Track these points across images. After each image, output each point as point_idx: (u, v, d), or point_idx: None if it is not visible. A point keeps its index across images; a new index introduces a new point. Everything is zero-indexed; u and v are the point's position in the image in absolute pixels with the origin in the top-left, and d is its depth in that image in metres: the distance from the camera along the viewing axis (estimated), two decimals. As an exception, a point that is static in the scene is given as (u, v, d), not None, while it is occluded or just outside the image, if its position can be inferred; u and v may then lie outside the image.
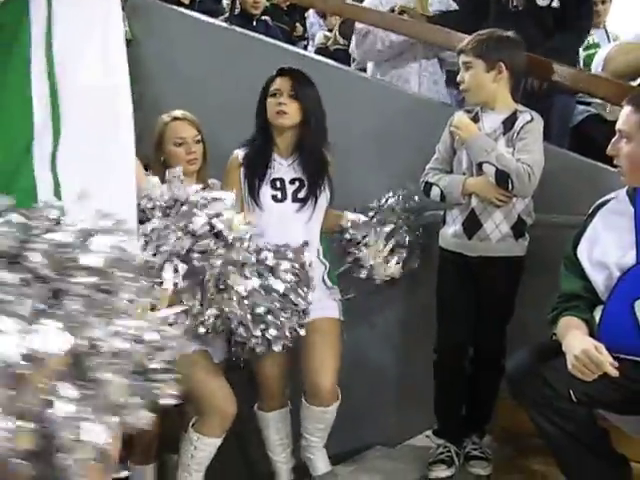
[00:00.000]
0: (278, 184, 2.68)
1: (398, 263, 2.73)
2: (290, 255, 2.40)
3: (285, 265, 2.36)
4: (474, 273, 2.51)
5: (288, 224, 2.65)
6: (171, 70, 3.83)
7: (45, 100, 1.23)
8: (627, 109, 2.05)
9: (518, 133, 2.46)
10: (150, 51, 3.88)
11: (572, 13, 3.20)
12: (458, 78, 2.53)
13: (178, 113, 2.76)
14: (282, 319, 2.33)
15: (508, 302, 2.52)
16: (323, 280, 2.71)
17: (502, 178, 2.39)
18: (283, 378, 2.77)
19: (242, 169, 2.69)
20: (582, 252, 2.10)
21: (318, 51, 4.88)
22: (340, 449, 2.86)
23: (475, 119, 2.53)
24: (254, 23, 4.47)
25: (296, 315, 2.38)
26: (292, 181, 2.68)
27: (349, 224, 2.75)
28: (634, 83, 3.00)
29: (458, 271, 2.53)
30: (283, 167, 2.70)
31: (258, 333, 2.32)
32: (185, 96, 3.60)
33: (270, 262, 2.35)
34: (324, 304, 2.65)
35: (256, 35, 3.83)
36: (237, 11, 4.42)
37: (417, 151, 2.87)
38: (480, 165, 2.44)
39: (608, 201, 2.15)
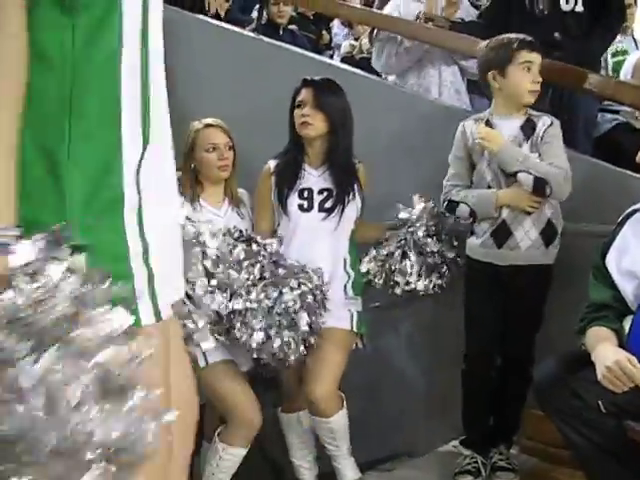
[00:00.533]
0: (306, 194, 2.70)
1: (433, 280, 2.69)
2: (314, 278, 2.45)
3: (305, 288, 2.41)
4: (503, 282, 2.49)
5: (314, 234, 2.67)
6: (198, 81, 3.86)
7: (136, 102, 1.07)
8: None
9: (542, 137, 2.44)
10: (177, 62, 3.91)
11: (598, 17, 3.18)
12: (536, 78, 2.46)
13: (210, 120, 2.78)
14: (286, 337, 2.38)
15: (537, 311, 2.49)
16: (345, 290, 2.71)
17: (540, 185, 2.37)
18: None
19: (273, 178, 2.72)
20: (611, 261, 2.08)
21: (344, 60, 4.89)
22: (366, 458, 2.85)
23: (490, 127, 2.50)
24: (281, 32, 4.50)
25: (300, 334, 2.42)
26: (321, 191, 2.69)
27: (387, 236, 2.74)
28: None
29: (487, 280, 2.51)
30: (313, 177, 2.71)
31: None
32: (212, 106, 3.62)
33: (291, 282, 2.42)
34: (338, 314, 2.63)
35: (283, 44, 3.86)
36: (264, 21, 4.46)
37: (444, 160, 2.86)
38: (514, 175, 2.41)
39: (638, 210, 2.12)
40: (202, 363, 2.60)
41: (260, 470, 3.23)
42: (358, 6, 4.50)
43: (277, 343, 2.40)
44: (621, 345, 1.98)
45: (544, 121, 2.46)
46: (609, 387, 1.87)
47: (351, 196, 2.69)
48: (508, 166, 2.42)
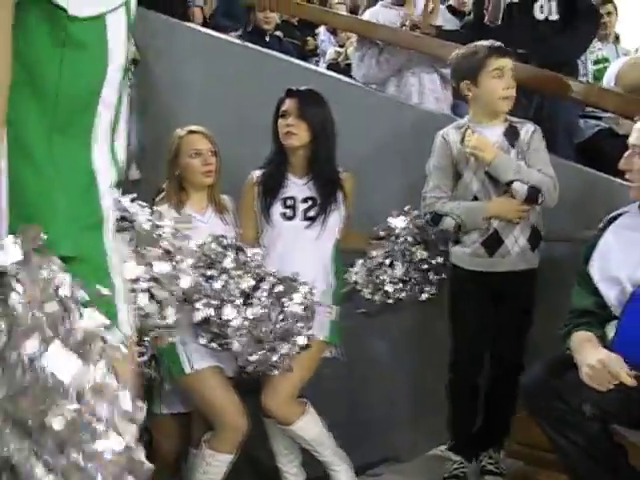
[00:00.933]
0: (289, 202, 2.71)
1: (422, 288, 2.69)
2: (302, 289, 2.44)
3: (297, 299, 2.40)
4: (493, 289, 2.49)
5: (296, 242, 2.68)
6: (184, 87, 3.86)
7: (107, 133, 1.13)
8: None
9: (528, 145, 2.45)
10: (162, 68, 3.92)
11: (572, 24, 3.20)
12: (509, 83, 2.45)
13: (193, 127, 2.79)
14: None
15: (528, 314, 2.49)
16: (322, 298, 2.68)
17: (533, 194, 2.38)
18: None
19: (257, 188, 2.74)
20: (593, 267, 2.09)
21: (329, 67, 4.91)
22: (353, 464, 2.84)
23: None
24: (267, 39, 4.51)
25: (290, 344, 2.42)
26: (305, 200, 2.71)
27: (372, 248, 2.75)
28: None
29: (475, 288, 2.50)
30: (297, 186, 2.73)
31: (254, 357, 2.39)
32: (197, 113, 3.63)
33: (278, 290, 2.42)
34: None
35: (269, 51, 3.87)
36: (250, 28, 4.47)
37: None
38: (507, 184, 2.40)
39: (620, 215, 2.14)
40: (188, 369, 2.61)
41: (247, 476, 3.23)
42: (343, 13, 4.52)
43: (275, 357, 2.40)
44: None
45: (527, 128, 2.46)
46: (594, 386, 1.88)
47: (334, 205, 2.70)
48: (503, 175, 2.40)
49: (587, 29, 3.32)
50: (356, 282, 2.72)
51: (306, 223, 2.69)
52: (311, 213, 2.69)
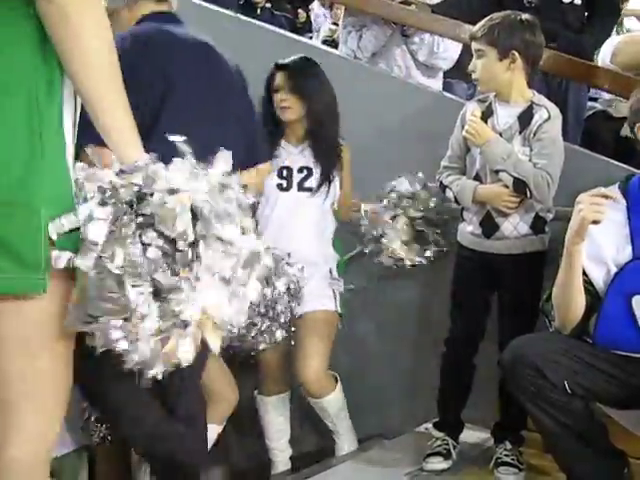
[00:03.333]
0: (285, 173, 2.70)
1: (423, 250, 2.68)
2: (290, 270, 2.42)
3: (284, 279, 2.39)
4: (495, 271, 2.44)
5: (293, 213, 2.68)
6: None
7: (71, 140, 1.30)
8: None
9: (535, 133, 2.34)
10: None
11: (597, 10, 3.20)
12: (470, 67, 2.42)
13: None
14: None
15: (532, 299, 2.38)
16: (330, 271, 2.72)
17: (520, 186, 2.32)
18: (283, 363, 2.79)
19: None
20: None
21: (324, 43, 4.86)
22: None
23: (489, 112, 2.43)
24: (258, 11, 4.47)
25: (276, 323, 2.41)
26: (300, 170, 2.70)
27: (365, 215, 2.75)
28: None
29: (476, 268, 2.46)
30: (292, 155, 2.71)
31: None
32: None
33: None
34: (322, 295, 2.67)
35: (261, 24, 3.82)
36: (242, 1, 4.42)
37: (426, 143, 2.86)
38: (497, 172, 2.36)
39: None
40: (176, 342, 2.61)
41: (235, 451, 3.24)
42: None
43: (253, 332, 2.39)
44: (587, 335, 2.02)
45: (541, 114, 2.35)
46: (595, 217, 1.87)
47: (331, 175, 2.69)
48: (490, 163, 2.37)
49: (611, 24, 3.36)
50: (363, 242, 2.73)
51: (302, 194, 2.67)
52: (307, 184, 2.68)
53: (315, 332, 2.65)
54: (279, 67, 2.69)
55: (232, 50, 3.58)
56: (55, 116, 1.23)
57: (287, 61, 2.70)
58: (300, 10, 5.58)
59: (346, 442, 2.82)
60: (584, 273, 2.03)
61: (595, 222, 1.90)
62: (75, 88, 1.24)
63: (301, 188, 2.68)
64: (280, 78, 2.67)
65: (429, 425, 2.65)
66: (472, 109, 2.45)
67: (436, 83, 3.53)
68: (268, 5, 4.74)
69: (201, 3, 4.04)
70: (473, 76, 2.44)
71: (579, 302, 2.01)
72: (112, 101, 1.24)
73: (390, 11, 3.33)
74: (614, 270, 2.01)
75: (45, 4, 1.16)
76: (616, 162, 2.70)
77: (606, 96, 3.33)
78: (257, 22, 3.83)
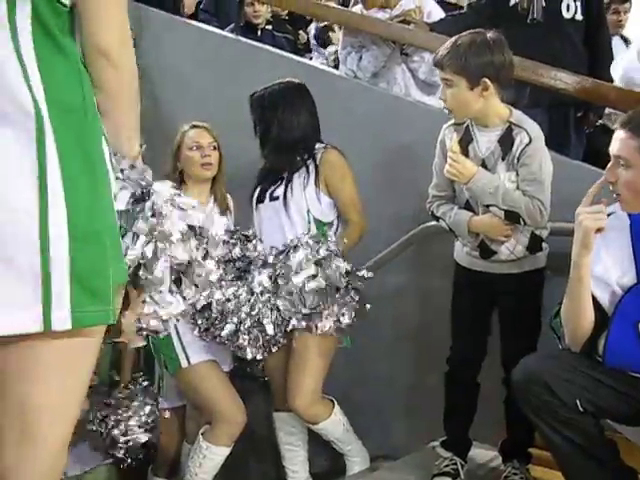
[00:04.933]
0: (263, 186, 2.75)
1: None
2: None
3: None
4: (493, 290, 2.40)
5: (270, 223, 2.70)
6: (175, 81, 3.84)
7: None
8: (622, 134, 1.91)
9: (518, 158, 2.24)
10: (153, 62, 3.89)
11: (594, 26, 3.22)
12: (439, 95, 2.35)
13: (197, 122, 2.85)
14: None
15: (533, 316, 2.36)
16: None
17: (512, 217, 2.26)
18: None
19: None
20: None
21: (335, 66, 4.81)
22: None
23: (468, 137, 2.33)
24: (259, 33, 4.49)
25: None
26: (273, 181, 2.72)
27: None
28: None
29: (474, 287, 2.42)
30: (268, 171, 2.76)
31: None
32: (190, 107, 3.61)
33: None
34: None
35: (261, 45, 3.85)
36: (242, 22, 4.45)
37: (427, 161, 2.86)
38: (487, 206, 2.30)
39: (607, 216, 2.04)
40: (185, 364, 2.62)
41: (253, 470, 3.24)
42: (335, 6, 4.49)
43: (244, 338, 2.44)
44: (596, 354, 2.00)
45: (522, 138, 2.24)
46: (598, 224, 1.86)
47: (296, 182, 2.66)
48: (479, 199, 2.30)
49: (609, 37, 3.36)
50: None
51: (272, 203, 2.69)
52: (276, 192, 2.70)
53: (307, 356, 2.60)
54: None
55: (233, 72, 3.65)
56: (100, 140, 1.27)
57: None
58: (301, 31, 5.60)
59: (356, 464, 2.79)
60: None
61: (599, 230, 1.89)
62: (114, 123, 1.33)
63: (272, 198, 2.70)
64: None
65: (436, 443, 2.63)
66: (448, 140, 2.35)
67: (436, 100, 3.54)
68: (269, 27, 4.76)
69: (202, 26, 4.10)
70: (444, 105, 2.34)
71: (588, 317, 1.99)
72: (135, 123, 1.38)
73: (389, 30, 3.35)
74: (619, 292, 1.99)
75: (99, 58, 1.26)
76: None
77: (605, 110, 3.33)
78: (257, 43, 3.86)
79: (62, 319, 1.14)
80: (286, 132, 2.68)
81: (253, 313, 2.46)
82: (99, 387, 2.97)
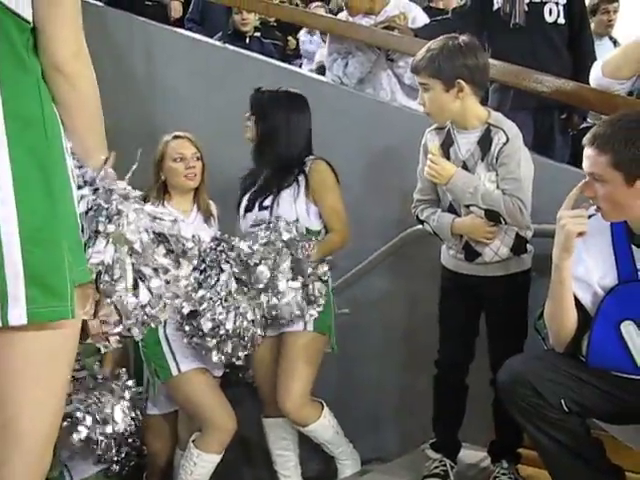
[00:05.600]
0: (251, 195, 2.76)
1: None
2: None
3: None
4: (479, 293, 2.42)
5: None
6: (164, 90, 3.86)
7: None
8: (590, 151, 1.92)
9: (497, 158, 2.28)
10: (143, 72, 3.92)
11: (577, 29, 3.25)
12: (418, 100, 2.39)
13: (179, 132, 2.84)
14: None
15: (519, 318, 2.38)
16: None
17: (493, 216, 2.28)
18: None
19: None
20: None
21: (320, 68, 4.85)
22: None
23: (449, 141, 2.37)
24: (247, 41, 4.52)
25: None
26: (261, 190, 2.74)
27: None
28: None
29: (461, 290, 2.44)
30: (258, 178, 2.77)
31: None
32: (179, 115, 3.63)
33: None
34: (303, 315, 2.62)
35: (249, 53, 3.87)
36: (230, 30, 4.48)
37: (413, 165, 2.87)
38: (467, 206, 2.32)
39: (588, 217, 2.06)
40: (175, 372, 2.63)
41: (245, 476, 3.25)
42: (324, 14, 4.53)
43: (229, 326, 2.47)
44: (579, 353, 2.02)
45: (499, 137, 2.28)
46: (579, 228, 1.89)
47: (285, 192, 2.68)
48: (459, 199, 2.33)
49: (593, 43, 3.38)
50: None
51: (261, 212, 2.69)
52: (265, 202, 2.70)
53: (295, 359, 2.63)
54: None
55: (221, 80, 3.67)
56: (59, 152, 1.31)
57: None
58: (290, 37, 5.64)
59: (348, 467, 2.81)
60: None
61: (580, 234, 1.91)
62: (73, 134, 1.36)
63: (261, 207, 2.71)
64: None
65: (426, 445, 2.64)
66: (430, 144, 2.39)
67: (421, 109, 3.57)
68: (257, 34, 4.79)
69: (190, 34, 4.12)
70: (423, 110, 2.39)
71: (571, 317, 2.01)
72: (101, 135, 1.43)
73: (374, 37, 3.37)
74: (601, 293, 2.00)
75: (54, 74, 1.29)
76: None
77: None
78: (244, 51, 3.88)
79: (17, 315, 1.21)
80: (287, 151, 2.71)
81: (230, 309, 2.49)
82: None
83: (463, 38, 2.31)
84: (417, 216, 2.49)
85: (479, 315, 2.49)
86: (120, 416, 2.80)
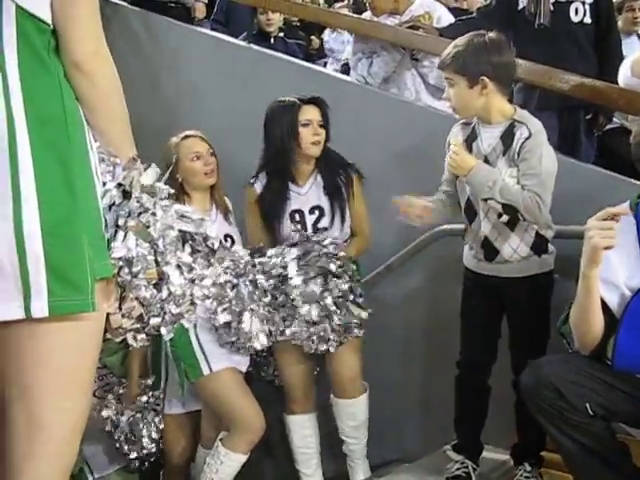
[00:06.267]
0: (297, 217, 2.71)
1: None
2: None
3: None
4: (500, 294, 2.41)
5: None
6: (190, 91, 3.88)
7: None
8: None
9: (518, 153, 2.28)
10: (168, 72, 3.94)
11: (604, 29, 3.22)
12: (444, 95, 2.42)
13: (187, 132, 2.82)
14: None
15: (542, 321, 2.36)
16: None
17: (510, 211, 2.27)
18: (308, 382, 2.81)
19: (260, 206, 2.74)
20: None
21: (345, 65, 4.82)
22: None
23: (473, 135, 2.39)
24: (272, 41, 4.53)
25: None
26: (312, 210, 2.70)
27: None
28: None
29: (482, 291, 2.44)
30: (300, 196, 2.72)
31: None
32: (204, 116, 3.65)
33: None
34: None
35: (274, 53, 3.88)
36: (255, 30, 4.50)
37: (438, 165, 2.86)
38: (485, 200, 2.31)
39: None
40: (206, 371, 2.64)
41: (266, 475, 3.25)
42: (347, 13, 4.53)
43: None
44: (604, 356, 2.00)
45: (522, 132, 2.29)
46: (606, 243, 1.85)
47: (343, 208, 2.69)
48: (478, 192, 2.33)
49: (621, 42, 3.36)
50: None
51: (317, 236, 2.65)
52: (320, 224, 2.68)
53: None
54: (311, 101, 2.70)
55: (246, 80, 3.68)
56: (81, 148, 1.34)
57: (314, 96, 2.72)
58: (313, 37, 5.64)
59: (361, 468, 2.78)
60: None
61: (607, 247, 1.88)
62: (97, 131, 1.38)
63: (316, 230, 2.67)
64: (312, 113, 2.68)
65: (448, 447, 2.63)
66: (453, 137, 2.42)
67: (446, 105, 3.55)
68: (281, 34, 4.80)
69: (215, 35, 4.14)
70: (448, 105, 2.42)
71: (598, 324, 1.99)
72: (126, 132, 1.44)
73: (398, 36, 3.37)
74: (628, 294, 1.99)
75: (74, 72, 1.32)
76: (630, 179, 2.68)
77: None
78: (269, 51, 3.89)
79: (39, 308, 1.24)
80: (340, 158, 2.77)
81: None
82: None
83: (490, 35, 2.34)
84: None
85: (501, 316, 2.47)
86: (146, 433, 2.86)
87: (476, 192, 2.34)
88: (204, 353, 2.63)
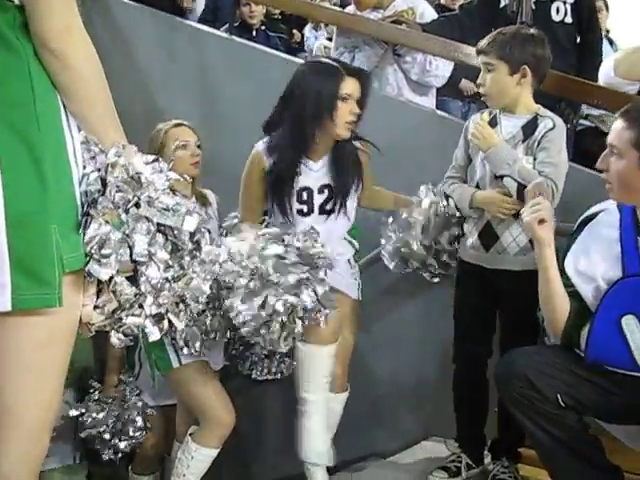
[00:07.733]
0: (305, 196, 2.49)
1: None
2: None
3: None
4: (494, 287, 2.42)
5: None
6: (172, 81, 3.85)
7: None
8: (619, 123, 1.98)
9: (539, 142, 2.32)
10: (150, 62, 3.91)
11: (585, 29, 3.25)
12: (479, 80, 2.38)
13: (177, 120, 2.76)
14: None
15: (532, 317, 2.34)
16: (348, 261, 2.62)
17: (523, 193, 2.25)
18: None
19: (268, 179, 2.46)
20: (569, 264, 2.08)
21: None
22: (336, 458, 2.86)
23: (494, 122, 2.41)
24: (254, 33, 4.52)
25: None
26: (321, 190, 2.50)
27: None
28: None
29: (477, 283, 2.45)
30: (313, 173, 2.50)
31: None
32: (185, 107, 3.62)
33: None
34: (347, 282, 2.58)
35: (256, 45, 3.87)
36: (237, 22, 4.47)
37: (417, 161, 2.87)
38: (500, 177, 2.33)
39: (597, 214, 2.11)
40: (175, 364, 2.62)
41: (238, 469, 3.24)
42: (328, 6, 4.52)
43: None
44: (577, 347, 2.03)
45: (546, 123, 2.34)
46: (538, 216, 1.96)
47: (352, 189, 2.52)
48: (496, 168, 2.34)
49: (601, 42, 3.38)
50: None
51: (323, 217, 2.51)
52: (328, 206, 2.51)
53: (346, 325, 2.58)
54: (356, 74, 2.41)
55: (227, 72, 3.66)
56: (54, 133, 1.27)
57: (361, 69, 2.54)
58: (295, 30, 5.64)
59: (320, 472, 2.56)
60: (572, 285, 2.04)
61: (542, 221, 1.97)
62: (75, 116, 1.31)
63: (322, 211, 2.51)
64: (354, 87, 2.39)
65: (426, 443, 2.64)
66: (472, 123, 2.43)
67: (428, 101, 3.56)
68: (262, 27, 4.79)
69: (197, 26, 4.11)
70: (481, 90, 2.40)
71: (560, 303, 2.04)
72: (109, 117, 1.34)
73: (381, 31, 3.36)
74: (604, 287, 2.00)
75: (43, 52, 1.23)
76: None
77: (595, 112, 3.35)
78: (251, 43, 3.87)
79: (2, 302, 1.19)
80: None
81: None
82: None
83: (533, 30, 2.41)
84: (444, 192, 2.54)
85: (495, 310, 2.48)
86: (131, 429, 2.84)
87: (494, 167, 2.36)
88: (174, 345, 2.61)
